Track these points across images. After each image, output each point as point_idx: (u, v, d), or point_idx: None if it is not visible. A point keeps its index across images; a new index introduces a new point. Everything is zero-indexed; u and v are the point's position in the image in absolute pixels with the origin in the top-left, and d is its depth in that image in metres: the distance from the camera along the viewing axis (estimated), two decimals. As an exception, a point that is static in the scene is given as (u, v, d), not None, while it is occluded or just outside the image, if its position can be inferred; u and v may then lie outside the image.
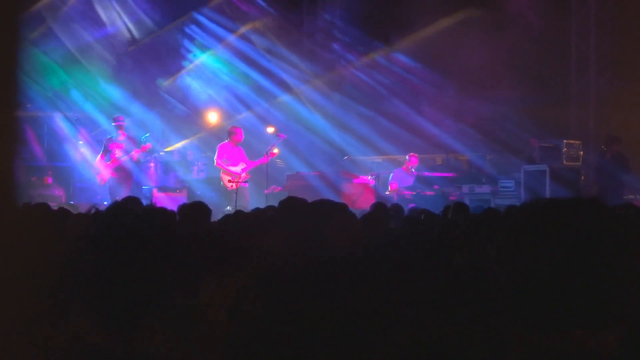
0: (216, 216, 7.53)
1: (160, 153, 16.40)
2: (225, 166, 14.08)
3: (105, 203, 14.20)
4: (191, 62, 18.84)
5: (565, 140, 13.53)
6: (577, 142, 13.70)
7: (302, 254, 3.64)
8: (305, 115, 18.29)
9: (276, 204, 6.15)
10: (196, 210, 6.14)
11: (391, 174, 15.10)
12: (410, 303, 2.53)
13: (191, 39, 18.80)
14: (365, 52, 18.53)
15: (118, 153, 14.10)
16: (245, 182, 14.03)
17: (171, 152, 17.01)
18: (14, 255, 1.86)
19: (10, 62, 1.88)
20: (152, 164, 15.58)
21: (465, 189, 14.48)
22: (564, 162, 13.31)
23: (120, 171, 14.10)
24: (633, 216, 5.55)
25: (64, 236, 5.03)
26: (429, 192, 14.48)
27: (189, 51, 18.85)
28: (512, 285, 1.60)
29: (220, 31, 18.64)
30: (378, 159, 18.02)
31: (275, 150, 14.63)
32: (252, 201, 13.83)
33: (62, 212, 7.13)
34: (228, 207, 13.17)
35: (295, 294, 1.99)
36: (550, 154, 13.47)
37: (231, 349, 1.95)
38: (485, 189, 14.36)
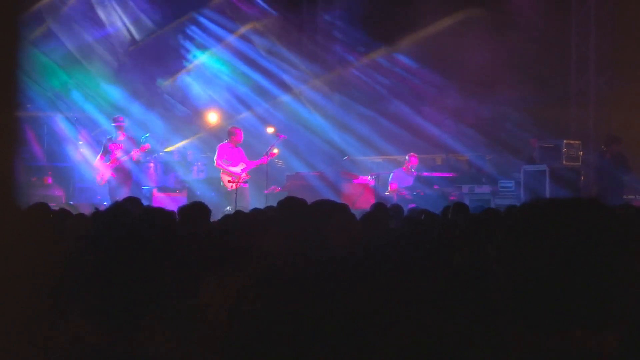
0: (216, 216, 7.53)
1: (160, 153, 16.39)
2: (225, 166, 14.08)
3: (105, 203, 14.21)
4: (191, 62, 18.84)
5: (565, 140, 13.52)
6: (577, 142, 13.70)
7: (302, 254, 3.64)
8: (305, 116, 18.30)
9: (276, 204, 6.15)
10: (196, 210, 6.14)
11: (391, 174, 15.10)
12: (410, 303, 2.52)
13: (191, 39, 18.80)
14: (365, 52, 18.53)
15: (118, 153, 14.10)
16: (245, 182, 14.03)
17: (171, 152, 17.01)
18: (14, 256, 1.86)
19: (10, 62, 1.88)
20: (152, 164, 15.58)
21: (465, 189, 14.48)
22: (564, 162, 13.31)
23: (120, 171, 14.10)
24: (633, 216, 5.55)
25: (64, 236, 5.04)
26: (429, 192, 14.48)
27: (189, 51, 18.85)
28: (512, 285, 1.60)
29: (220, 31, 18.64)
30: (378, 159, 18.02)
31: (275, 151, 14.63)
32: (252, 201, 13.83)
33: (63, 212, 7.13)
34: (228, 207, 13.18)
35: (295, 294, 1.99)
36: (550, 154, 13.47)
37: (231, 349, 1.95)
38: (485, 189, 14.36)
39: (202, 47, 18.74)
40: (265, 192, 14.62)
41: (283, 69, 18.57)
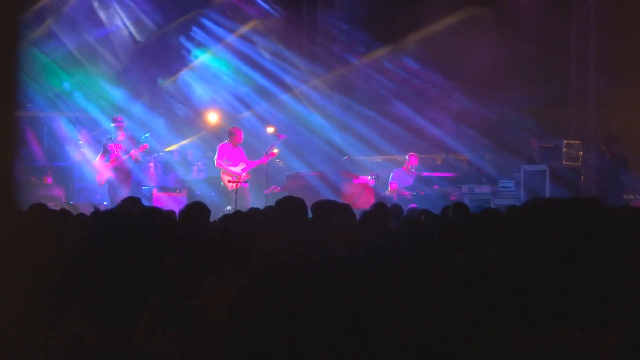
0: (216, 216, 7.52)
1: (160, 153, 16.40)
2: (225, 166, 14.09)
3: (105, 203, 14.23)
4: (192, 62, 18.84)
5: (565, 140, 13.52)
6: (577, 142, 13.70)
7: (302, 254, 3.64)
8: (306, 116, 18.30)
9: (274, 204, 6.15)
10: (196, 210, 6.14)
11: (391, 174, 15.10)
12: (410, 303, 2.52)
13: (192, 39, 18.80)
14: (366, 52, 18.53)
15: (117, 153, 14.11)
16: (245, 182, 14.04)
17: (171, 152, 17.01)
18: (14, 256, 1.86)
19: (11, 62, 1.88)
20: (152, 164, 15.58)
21: (465, 189, 14.48)
22: (564, 162, 13.30)
23: (120, 171, 14.10)
24: (633, 216, 5.55)
25: (64, 236, 5.04)
26: (429, 192, 14.48)
27: (189, 52, 18.85)
28: (512, 285, 1.60)
29: (221, 32, 18.65)
30: (378, 159, 18.01)
31: (275, 151, 14.64)
32: (252, 201, 13.83)
33: (63, 212, 7.13)
34: (228, 207, 13.18)
35: (295, 294, 1.99)
36: (550, 154, 13.47)
37: (231, 349, 1.95)
38: (485, 189, 14.36)
39: (203, 47, 18.75)
40: (265, 192, 14.62)
41: (283, 69, 18.57)
